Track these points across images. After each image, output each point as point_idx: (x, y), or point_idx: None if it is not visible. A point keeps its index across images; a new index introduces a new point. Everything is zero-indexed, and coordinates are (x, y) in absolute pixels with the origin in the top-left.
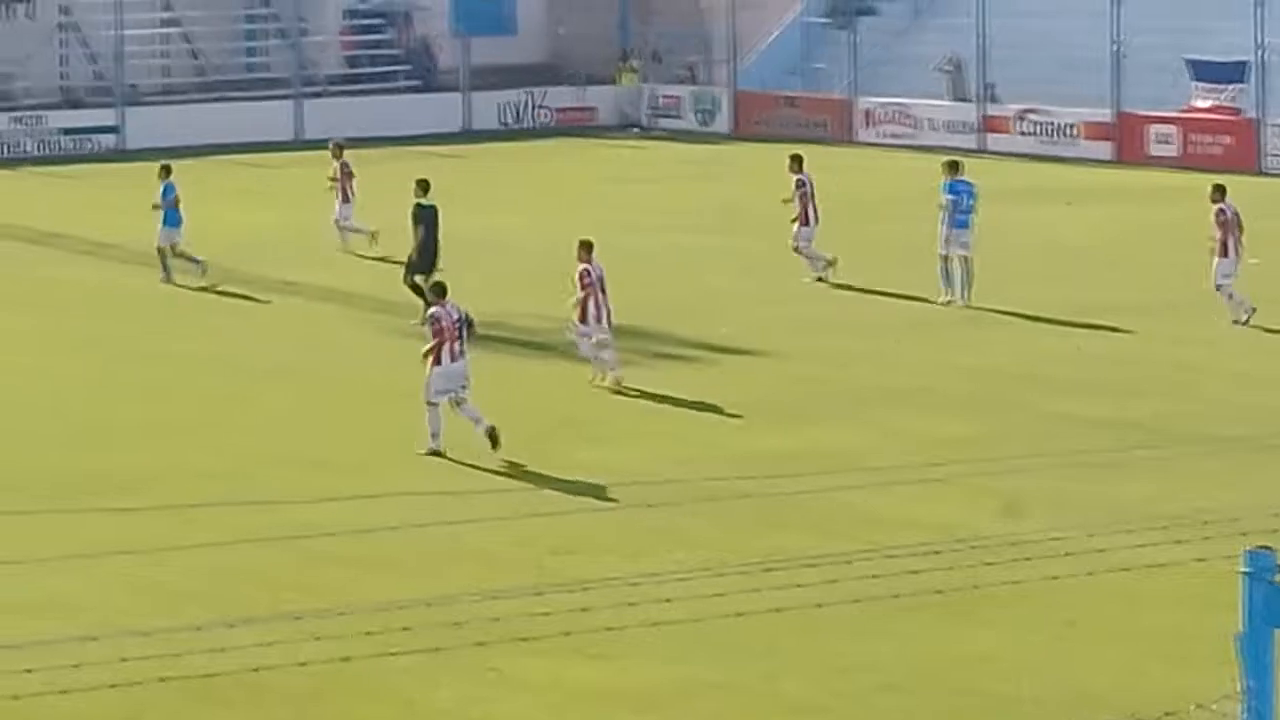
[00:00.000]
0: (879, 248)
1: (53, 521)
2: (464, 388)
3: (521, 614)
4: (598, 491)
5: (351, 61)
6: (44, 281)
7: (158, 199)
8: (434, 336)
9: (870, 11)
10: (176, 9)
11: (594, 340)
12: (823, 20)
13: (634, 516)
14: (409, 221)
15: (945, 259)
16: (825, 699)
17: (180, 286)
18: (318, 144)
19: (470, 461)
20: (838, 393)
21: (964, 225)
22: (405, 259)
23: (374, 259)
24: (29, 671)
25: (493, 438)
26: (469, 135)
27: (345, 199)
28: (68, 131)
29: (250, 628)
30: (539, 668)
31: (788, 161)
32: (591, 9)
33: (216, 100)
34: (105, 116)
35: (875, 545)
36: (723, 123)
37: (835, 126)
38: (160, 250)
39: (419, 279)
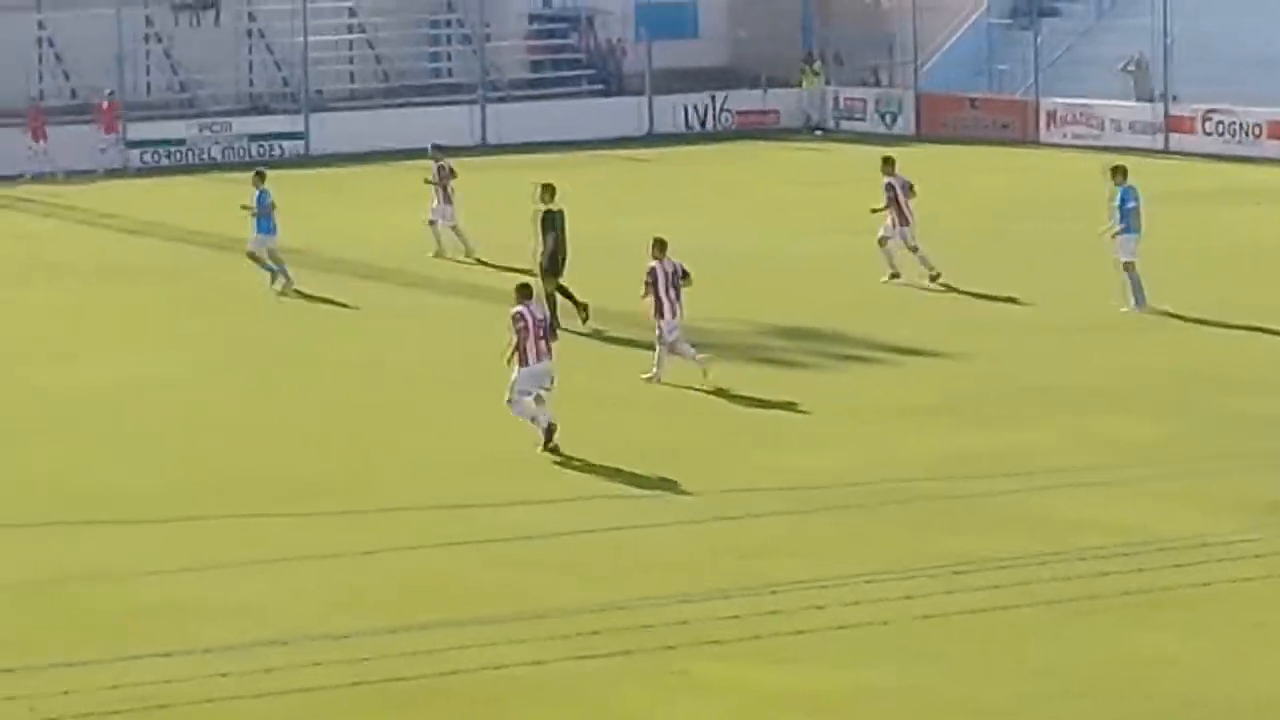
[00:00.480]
0: (1060, 249)
1: (243, 526)
2: (547, 388)
3: (710, 618)
4: (784, 495)
5: (535, 66)
6: (229, 287)
7: (250, 203)
8: (516, 335)
9: (1053, 12)
10: (361, 15)
11: (669, 338)
12: (1005, 21)
13: (821, 519)
14: (536, 227)
15: (1123, 266)
16: (1007, 703)
17: (345, 304)
18: (502, 149)
19: (653, 466)
20: (1022, 394)
21: (1132, 231)
22: (538, 266)
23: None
24: (224, 675)
25: (549, 434)
26: (652, 139)
27: (446, 200)
28: (254, 138)
29: (441, 631)
30: (725, 672)
31: (880, 163)
32: (773, 12)
33: (400, 105)
34: (290, 122)
35: (1063, 548)
36: (906, 125)
37: (1019, 127)
38: (253, 255)
39: (551, 283)
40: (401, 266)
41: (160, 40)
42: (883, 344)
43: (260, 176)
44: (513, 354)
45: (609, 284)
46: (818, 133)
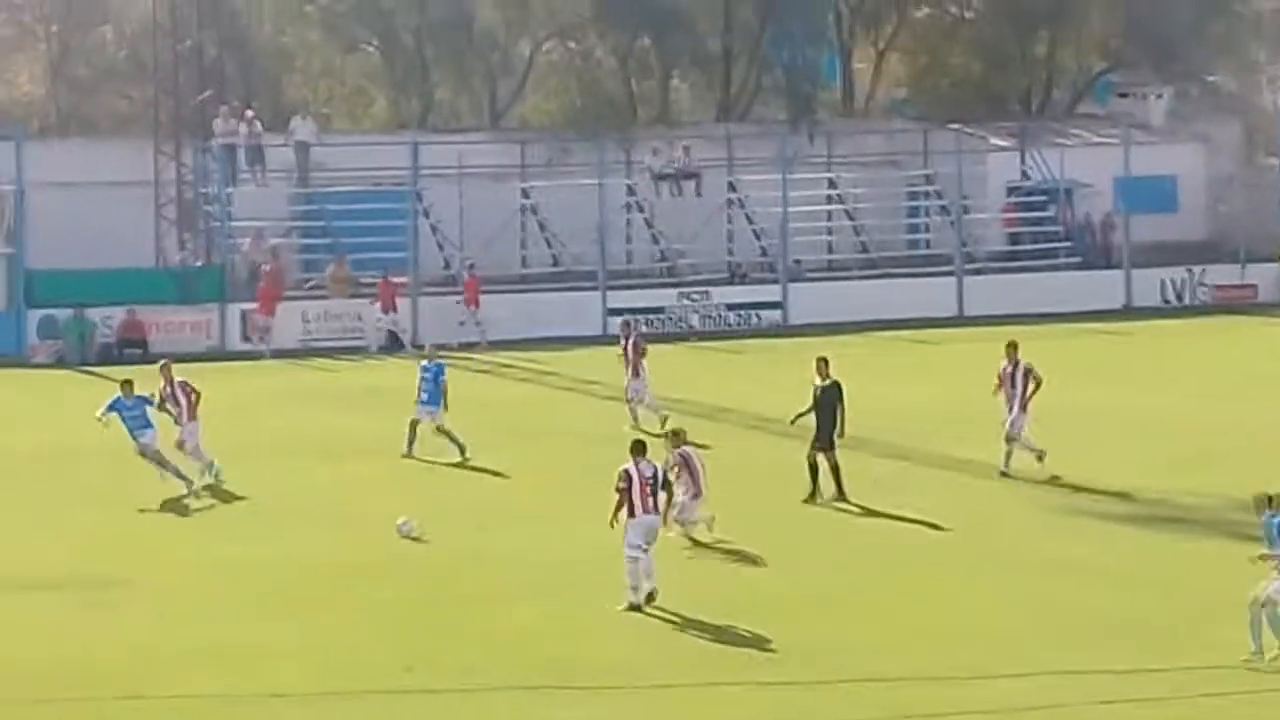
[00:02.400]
0: None
1: (703, 694)
2: (650, 543)
3: None
4: (1253, 674)
5: (1013, 239)
6: (710, 458)
7: (426, 375)
8: (618, 491)
9: None
10: (840, 187)
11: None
12: None
13: None
14: (814, 398)
15: None
16: None
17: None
18: (980, 321)
19: (1118, 641)
20: None
21: None
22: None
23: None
24: None
25: (650, 597)
26: (1130, 312)
27: (635, 374)
28: (732, 306)
29: None
30: None
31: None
32: (1253, 186)
33: (879, 277)
34: (769, 292)
35: None
36: None
37: None
38: (440, 429)
39: (823, 456)
40: (897, 440)
41: (642, 210)
42: None
43: (435, 349)
44: (617, 510)
45: (1075, 452)
46: None
